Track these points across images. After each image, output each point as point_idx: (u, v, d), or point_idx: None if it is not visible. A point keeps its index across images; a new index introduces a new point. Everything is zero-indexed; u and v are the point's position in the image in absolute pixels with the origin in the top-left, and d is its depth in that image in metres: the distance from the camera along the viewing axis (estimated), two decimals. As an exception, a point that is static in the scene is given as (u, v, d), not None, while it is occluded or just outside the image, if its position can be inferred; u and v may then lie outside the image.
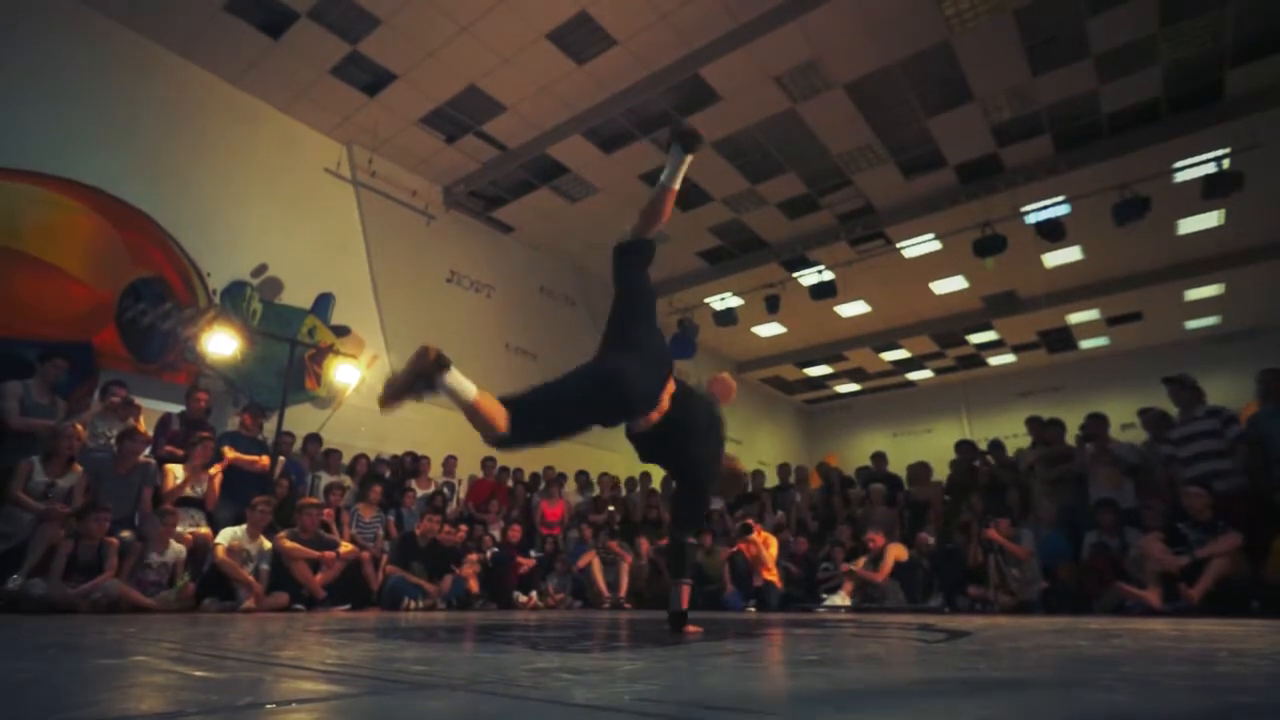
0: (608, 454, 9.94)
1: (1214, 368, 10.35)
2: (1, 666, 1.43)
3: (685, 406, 2.58)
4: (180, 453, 5.19)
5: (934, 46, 6.41)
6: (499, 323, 9.49)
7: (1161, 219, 8.38)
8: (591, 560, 6.73)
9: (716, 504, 7.76)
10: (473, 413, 2.01)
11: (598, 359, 2.33)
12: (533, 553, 7.00)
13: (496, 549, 6.45)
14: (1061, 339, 12.85)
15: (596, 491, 8.21)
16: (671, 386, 2.53)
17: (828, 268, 10.02)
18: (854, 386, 15.81)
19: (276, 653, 1.76)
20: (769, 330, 12.74)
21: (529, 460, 8.46)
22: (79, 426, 4.60)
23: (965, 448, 7.32)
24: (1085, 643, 2.23)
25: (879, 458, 8.03)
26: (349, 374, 7.21)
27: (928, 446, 12.93)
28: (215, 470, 5.20)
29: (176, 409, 5.66)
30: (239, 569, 4.70)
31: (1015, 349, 13.44)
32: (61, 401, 4.83)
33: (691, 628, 2.65)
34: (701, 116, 7.36)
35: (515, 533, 6.77)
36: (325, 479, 6.21)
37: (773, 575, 6.48)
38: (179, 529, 4.68)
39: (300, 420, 6.68)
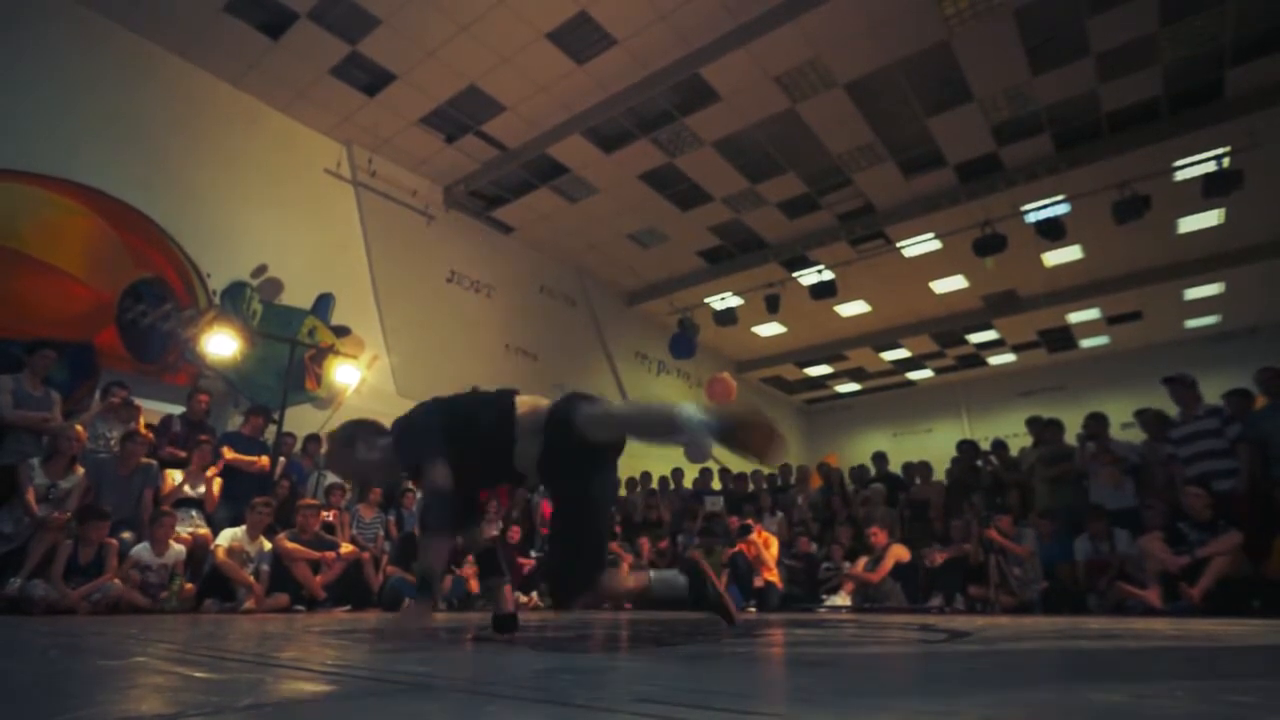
0: (608, 454, 9.88)
1: (1214, 367, 10.32)
2: (2, 667, 1.43)
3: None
4: (183, 455, 5.19)
5: (934, 46, 6.40)
6: (499, 323, 9.48)
7: (1161, 218, 8.37)
8: (592, 560, 6.70)
9: (716, 505, 7.75)
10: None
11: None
12: (533, 553, 6.99)
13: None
14: (1061, 338, 12.84)
15: (597, 491, 8.18)
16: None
17: (828, 267, 10.02)
18: (854, 386, 15.80)
19: (277, 654, 1.76)
20: (769, 330, 12.73)
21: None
22: (79, 427, 4.59)
23: (967, 447, 7.31)
24: (1086, 642, 2.22)
25: (880, 458, 8.02)
26: (349, 374, 7.21)
27: (928, 446, 12.92)
28: (213, 474, 5.19)
29: (177, 410, 5.66)
30: (239, 570, 4.70)
31: (1015, 348, 13.44)
32: (55, 393, 4.71)
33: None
34: (701, 116, 7.36)
35: (515, 533, 6.76)
36: (329, 478, 6.19)
37: (773, 575, 6.47)
38: (178, 530, 4.68)
39: (300, 421, 6.67)
